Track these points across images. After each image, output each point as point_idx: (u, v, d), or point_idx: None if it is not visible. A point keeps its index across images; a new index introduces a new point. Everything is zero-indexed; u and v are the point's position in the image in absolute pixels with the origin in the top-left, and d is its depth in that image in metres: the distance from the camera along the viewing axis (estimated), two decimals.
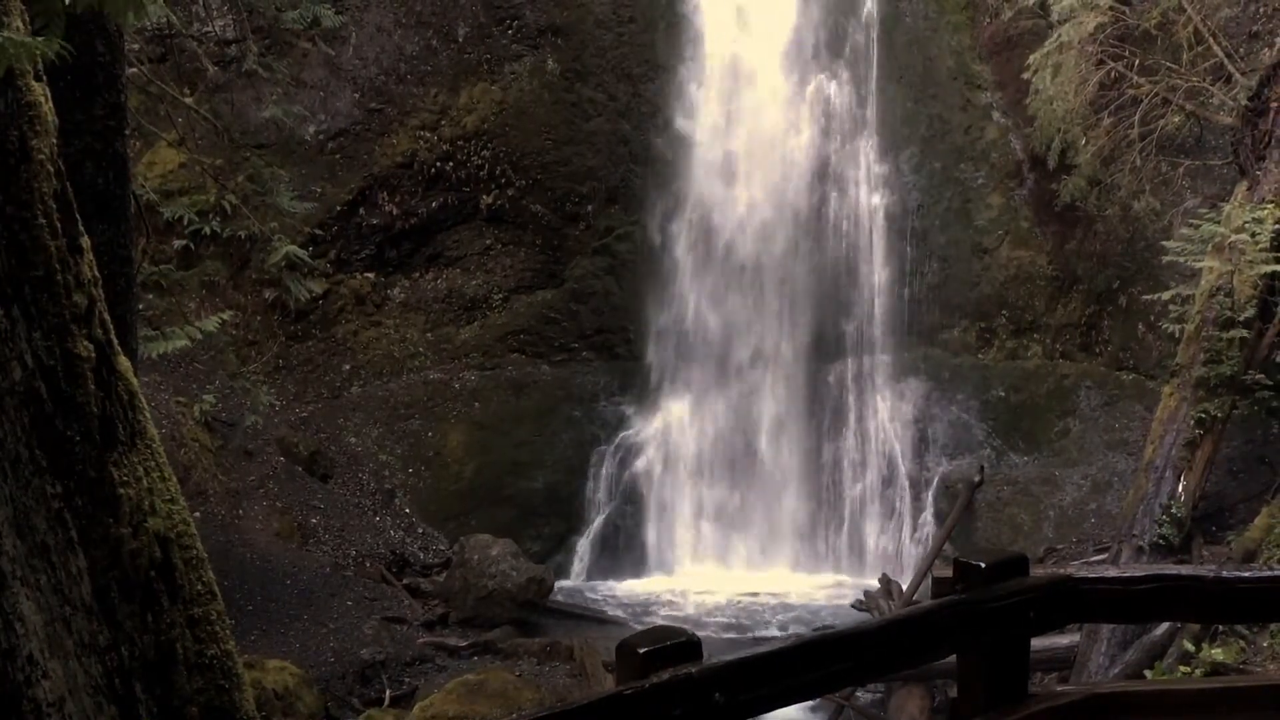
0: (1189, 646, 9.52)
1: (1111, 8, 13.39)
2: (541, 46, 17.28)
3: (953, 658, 3.75)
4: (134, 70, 9.66)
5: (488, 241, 17.49)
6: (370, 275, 17.07)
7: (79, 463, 3.14)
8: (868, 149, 17.19)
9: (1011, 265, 16.73)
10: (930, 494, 15.88)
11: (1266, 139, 11.44)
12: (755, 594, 15.26)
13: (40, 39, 3.01)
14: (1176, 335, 12.03)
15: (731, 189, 17.21)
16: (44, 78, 3.23)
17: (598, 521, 16.29)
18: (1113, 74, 13.58)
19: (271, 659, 10.83)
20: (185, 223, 14.85)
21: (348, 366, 16.78)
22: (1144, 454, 11.85)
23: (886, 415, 16.64)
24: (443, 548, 15.12)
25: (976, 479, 15.42)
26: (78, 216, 3.29)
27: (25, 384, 2.94)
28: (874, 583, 14.23)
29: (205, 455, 14.08)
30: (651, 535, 16.43)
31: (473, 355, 17.25)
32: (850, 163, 17.22)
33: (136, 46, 12.57)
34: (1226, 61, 12.72)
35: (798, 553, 16.45)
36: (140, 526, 3.38)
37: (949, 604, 3.55)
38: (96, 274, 3.37)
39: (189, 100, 11.43)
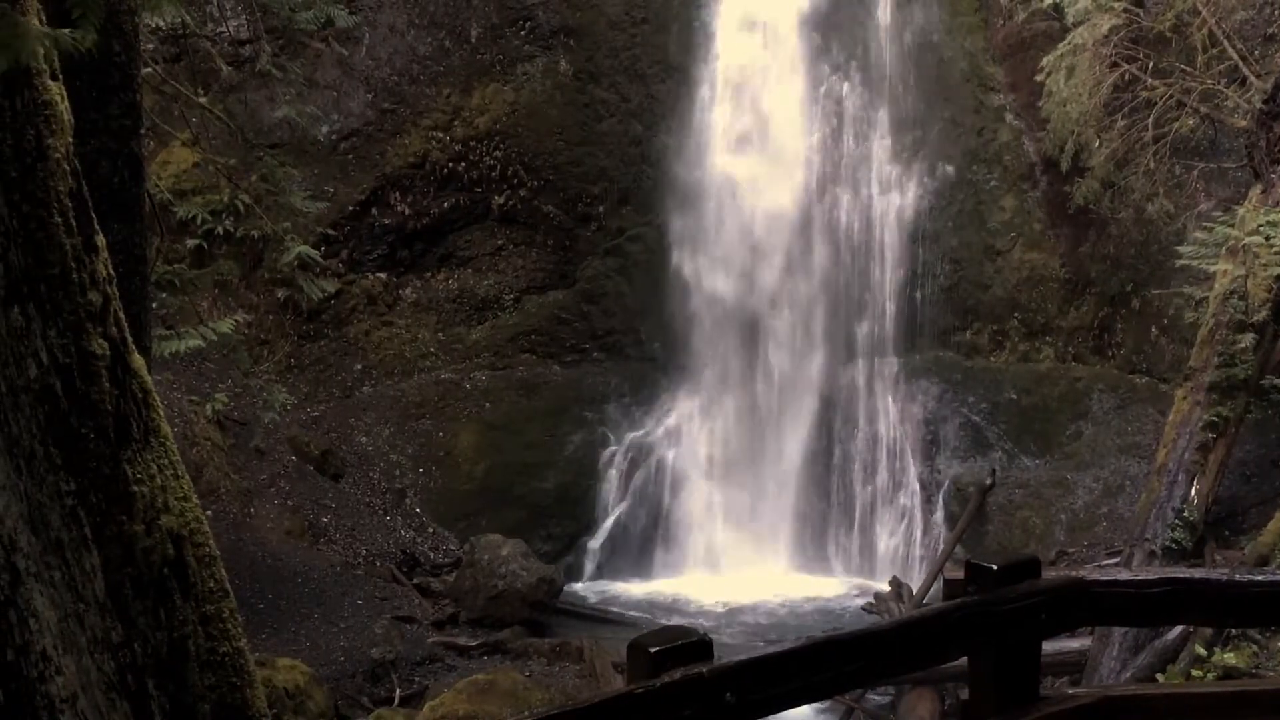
0: (1201, 650, 9.48)
1: (1126, 10, 13.35)
2: (554, 47, 17.30)
3: (963, 660, 3.74)
4: (149, 70, 9.70)
5: (499, 242, 17.52)
6: (382, 275, 17.11)
7: (93, 460, 3.15)
8: (880, 151, 17.16)
9: (1024, 268, 16.69)
10: (941, 496, 15.83)
11: None
12: (765, 595, 15.23)
13: (69, 31, 3.01)
14: (1190, 337, 11.99)
15: (743, 190, 17.19)
16: (60, 77, 3.25)
17: (608, 522, 16.28)
18: (1126, 76, 13.54)
19: (282, 657, 10.85)
20: (199, 222, 14.88)
21: (359, 366, 16.82)
22: (1156, 457, 11.81)
23: (897, 417, 16.60)
24: (453, 547, 15.14)
25: (988, 482, 15.37)
26: (93, 215, 3.31)
27: (40, 381, 2.96)
28: (885, 585, 14.21)
29: (217, 454, 14.13)
30: (662, 536, 16.41)
31: (484, 355, 17.27)
32: (862, 164, 17.19)
33: (151, 46, 12.62)
34: (1241, 64, 12.68)
35: (808, 554, 16.41)
36: (153, 524, 3.39)
37: (960, 606, 3.55)
38: (111, 272, 3.39)
39: (203, 100, 11.46)
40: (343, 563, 13.94)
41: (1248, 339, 11.11)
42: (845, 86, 17.28)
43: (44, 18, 3.16)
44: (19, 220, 2.94)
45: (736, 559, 16.41)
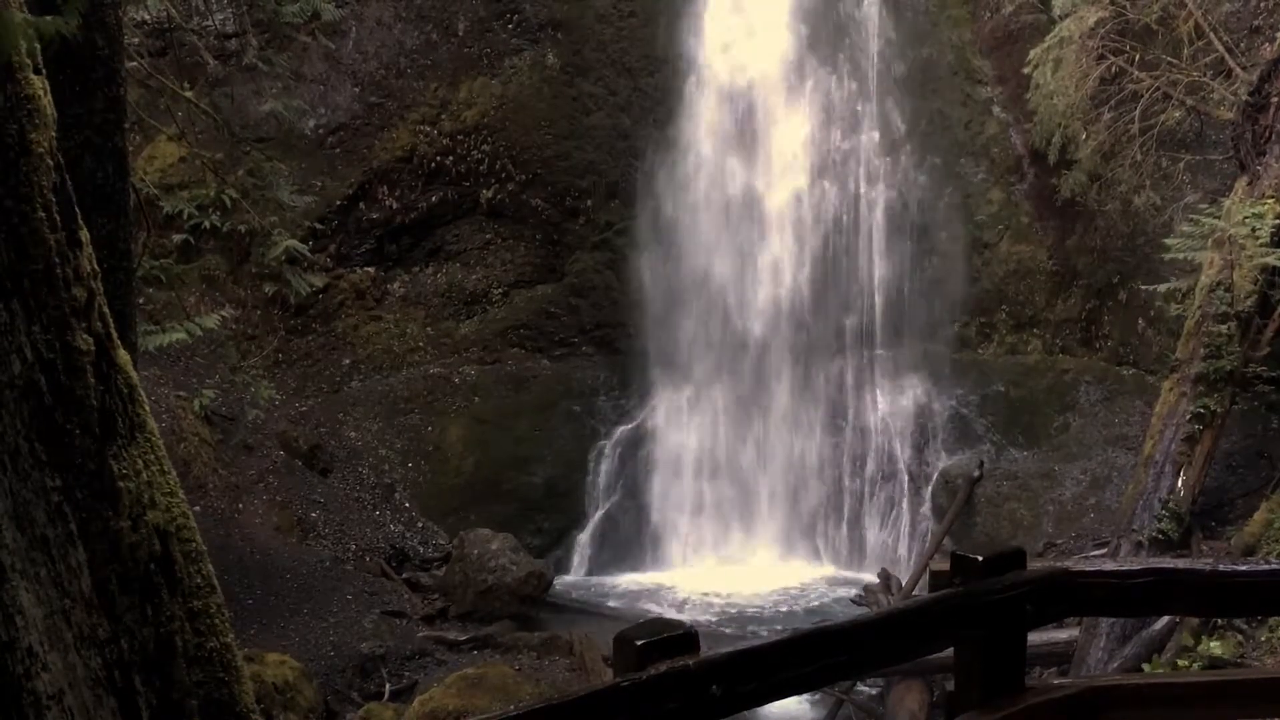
0: (1188, 641, 9.54)
1: (1112, 2, 13.38)
2: (541, 41, 17.27)
3: (950, 651, 3.76)
4: (133, 64, 9.66)
5: (488, 236, 17.49)
6: (370, 270, 17.07)
7: (78, 456, 3.14)
8: (868, 144, 17.17)
9: (1011, 260, 16.73)
10: (930, 489, 15.89)
11: (1267, 134, 11.43)
12: (754, 588, 15.27)
13: (50, 18, 2.99)
14: (1176, 329, 12.03)
15: (731, 185, 17.19)
16: (43, 71, 3.23)
17: (597, 516, 16.30)
18: (1113, 69, 13.57)
19: (271, 652, 10.84)
20: (185, 217, 14.85)
21: (347, 361, 16.78)
22: (1143, 449, 11.85)
23: (886, 410, 16.64)
24: (442, 542, 15.13)
25: (976, 474, 15.42)
26: (77, 210, 3.29)
27: (25, 377, 2.94)
28: (873, 577, 14.26)
29: (205, 449, 14.09)
30: (651, 530, 16.44)
31: (472, 350, 17.25)
32: (850, 158, 17.20)
33: (136, 40, 12.55)
34: (1227, 56, 12.71)
35: (797, 547, 16.46)
36: (140, 520, 3.38)
37: (946, 598, 3.56)
38: (96, 267, 3.37)
39: (189, 94, 11.40)
40: (332, 558, 13.92)
41: (1233, 330, 11.16)
42: (833, 80, 17.29)
43: (24, 5, 3.14)
44: (1, 215, 2.93)
45: (725, 551, 16.46)
